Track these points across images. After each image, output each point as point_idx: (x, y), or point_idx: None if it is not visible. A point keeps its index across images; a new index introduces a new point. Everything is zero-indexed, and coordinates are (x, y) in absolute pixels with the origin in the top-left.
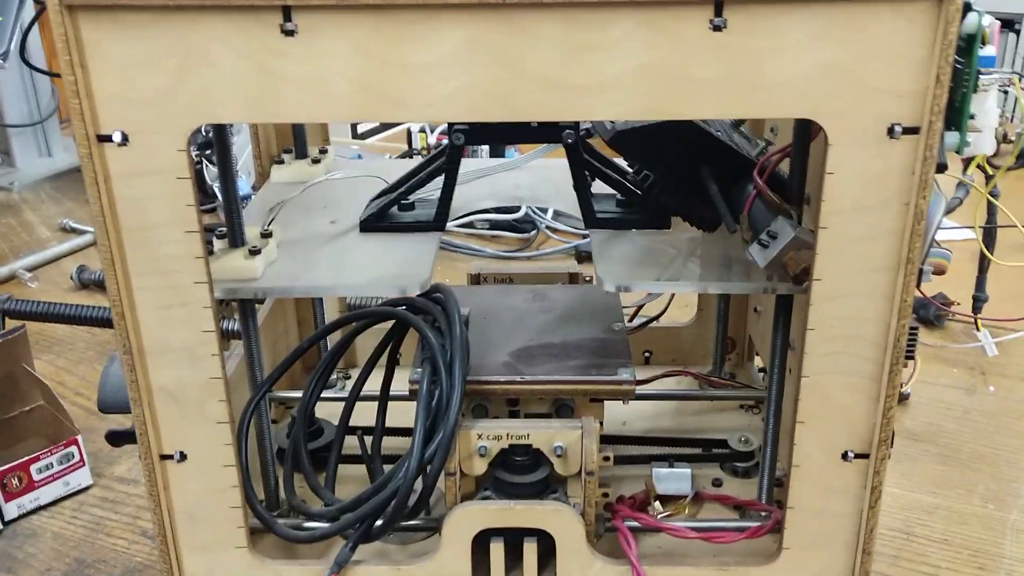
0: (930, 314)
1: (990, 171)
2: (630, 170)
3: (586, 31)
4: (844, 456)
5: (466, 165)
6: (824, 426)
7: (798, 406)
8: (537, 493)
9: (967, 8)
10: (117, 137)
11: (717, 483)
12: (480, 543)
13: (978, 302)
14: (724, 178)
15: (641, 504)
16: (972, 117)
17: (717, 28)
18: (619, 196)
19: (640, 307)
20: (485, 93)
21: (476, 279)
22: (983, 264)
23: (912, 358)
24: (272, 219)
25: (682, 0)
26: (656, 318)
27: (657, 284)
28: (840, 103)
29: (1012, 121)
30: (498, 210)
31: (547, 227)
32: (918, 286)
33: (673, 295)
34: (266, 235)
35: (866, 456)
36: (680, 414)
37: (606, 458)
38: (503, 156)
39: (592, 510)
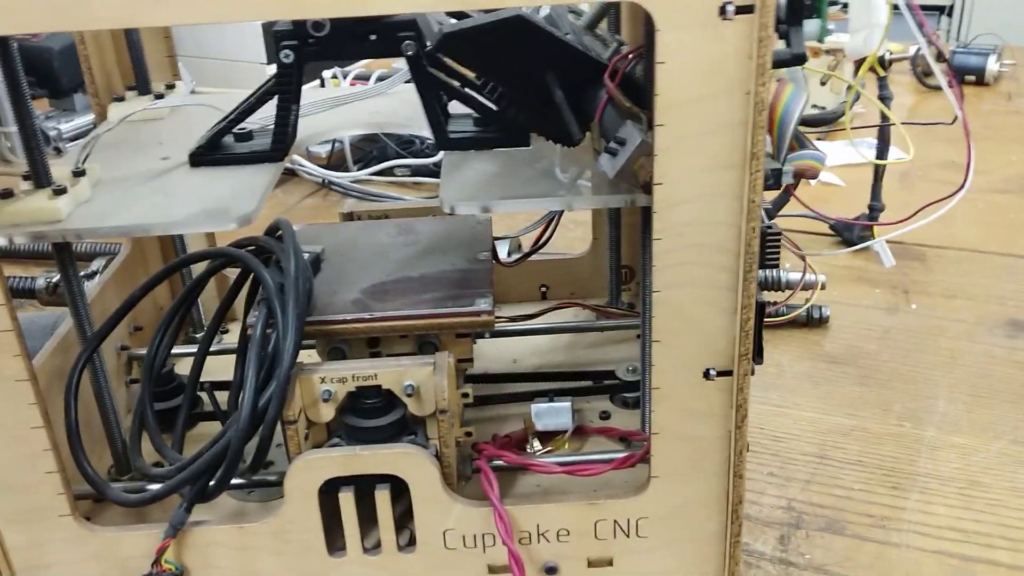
0: (853, 236)
1: (882, 73)
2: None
3: None
4: (706, 375)
5: (324, 93)
6: (681, 343)
7: (652, 324)
8: (391, 436)
9: None
10: None
11: (605, 416)
12: (332, 494)
13: (874, 211)
14: (574, 84)
15: (519, 442)
16: (835, 3)
17: None
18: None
19: (539, 241)
20: None
21: (349, 217)
22: (877, 171)
23: (775, 265)
24: (86, 156)
25: None
26: (537, 248)
27: (498, 203)
28: None
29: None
30: (412, 153)
31: None
32: (778, 187)
33: (556, 223)
34: (79, 174)
35: (729, 373)
36: (574, 348)
37: (465, 395)
38: None
39: (451, 451)
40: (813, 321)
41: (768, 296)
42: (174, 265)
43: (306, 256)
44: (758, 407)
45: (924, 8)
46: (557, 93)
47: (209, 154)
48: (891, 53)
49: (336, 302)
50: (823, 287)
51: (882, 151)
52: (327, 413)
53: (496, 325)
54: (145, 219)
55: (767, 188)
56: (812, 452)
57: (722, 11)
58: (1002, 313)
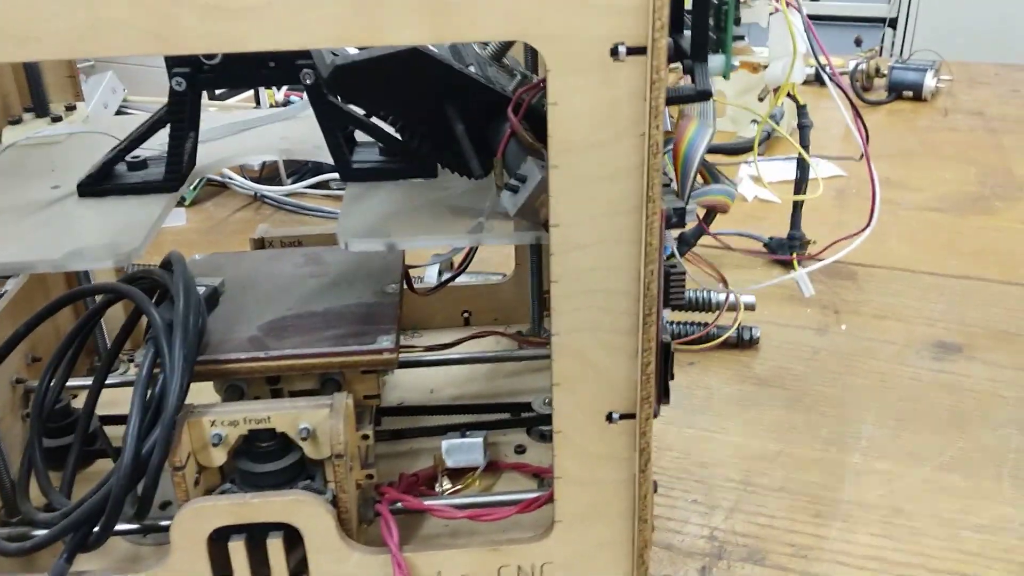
0: (787, 254)
1: (801, 101)
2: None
3: None
4: (608, 418)
5: (231, 116)
6: (583, 387)
7: (553, 367)
8: (287, 481)
9: None
10: None
11: (520, 450)
12: (223, 542)
13: (793, 241)
14: (477, 117)
15: (428, 480)
16: (740, 38)
17: None
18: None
19: (462, 266)
20: (131, 25)
21: (259, 243)
22: (798, 191)
23: (680, 307)
24: None
25: None
26: (454, 277)
27: (396, 240)
28: (552, 22)
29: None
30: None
31: None
32: (682, 226)
33: (474, 250)
34: None
35: (632, 416)
36: (493, 377)
37: (365, 436)
38: None
39: (349, 496)
40: (743, 342)
41: (698, 317)
42: (60, 300)
43: (202, 290)
44: (686, 432)
45: (868, 20)
46: (458, 127)
47: (98, 184)
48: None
49: (231, 339)
50: (752, 308)
51: (800, 183)
52: (219, 457)
53: (413, 354)
54: (21, 256)
55: (672, 227)
56: (737, 479)
57: (614, 53)
58: (930, 334)
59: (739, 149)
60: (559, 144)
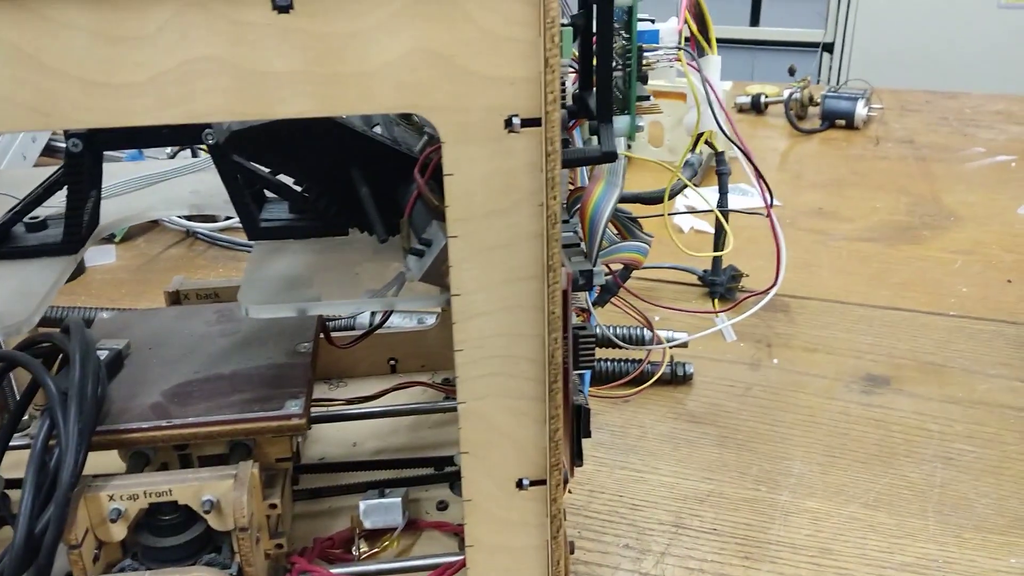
0: (720, 288)
1: (719, 148)
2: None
3: (120, 18)
4: (519, 485)
5: (142, 168)
6: (491, 455)
7: (460, 435)
8: (191, 554)
9: None
10: None
11: (442, 506)
12: None
13: (715, 286)
14: (384, 178)
15: (345, 543)
16: (644, 98)
17: (282, 9)
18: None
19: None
20: (7, 99)
21: (175, 297)
22: (717, 242)
23: (589, 368)
24: None
25: None
26: (376, 328)
27: (300, 306)
28: (444, 94)
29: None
30: None
31: None
32: (589, 288)
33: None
34: None
35: (543, 483)
36: (418, 428)
37: (273, 505)
38: None
39: (256, 569)
40: (677, 378)
41: (632, 353)
42: None
43: (105, 354)
44: (619, 473)
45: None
46: (362, 190)
47: None
48: (767, 96)
49: (133, 407)
50: (685, 345)
51: (718, 234)
52: (119, 532)
53: (335, 408)
54: None
55: (579, 289)
56: (669, 521)
57: (508, 124)
58: (859, 367)
59: (657, 198)
60: (457, 213)
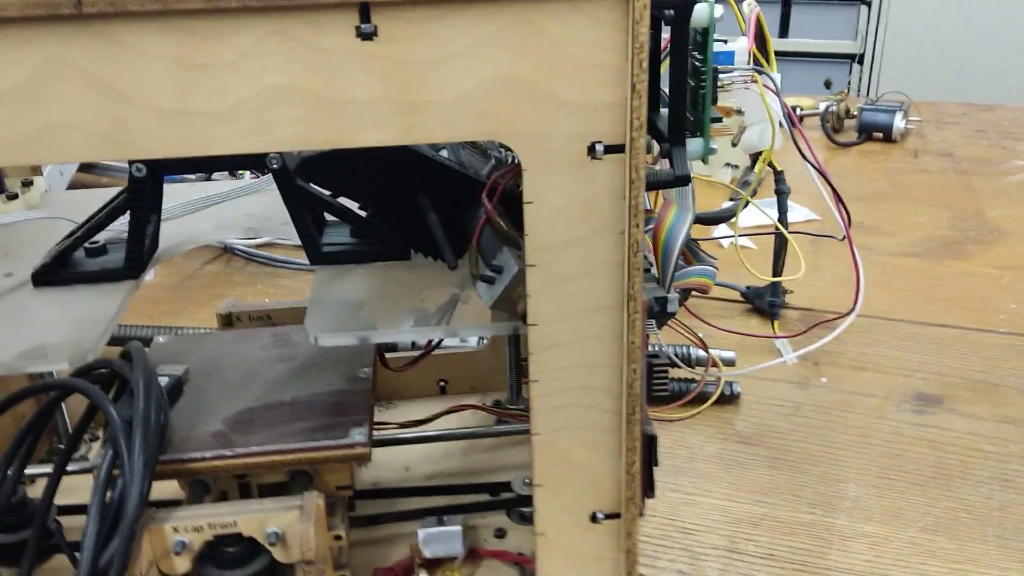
0: (764, 304)
1: (779, 167)
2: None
3: (201, 45)
4: (593, 518)
5: (197, 190)
6: (565, 488)
7: (534, 467)
8: None
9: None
10: None
11: (500, 534)
12: None
13: (773, 307)
14: (452, 203)
15: (405, 572)
16: (717, 120)
17: (366, 36)
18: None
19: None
20: (81, 129)
21: (227, 319)
22: (776, 265)
23: (664, 398)
24: None
25: (320, 3)
26: (431, 350)
27: (368, 334)
28: (526, 121)
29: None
30: None
31: None
32: (664, 315)
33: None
34: None
35: (617, 516)
36: (471, 452)
37: (338, 537)
38: None
39: None
40: (724, 398)
41: (680, 373)
42: (14, 396)
43: (165, 380)
44: (669, 495)
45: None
46: (431, 216)
47: (54, 273)
48: (802, 109)
49: (195, 436)
50: (732, 364)
51: (778, 255)
52: (183, 565)
53: (388, 432)
54: None
55: (654, 317)
56: (723, 545)
57: (591, 151)
58: (910, 386)
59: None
60: (536, 242)
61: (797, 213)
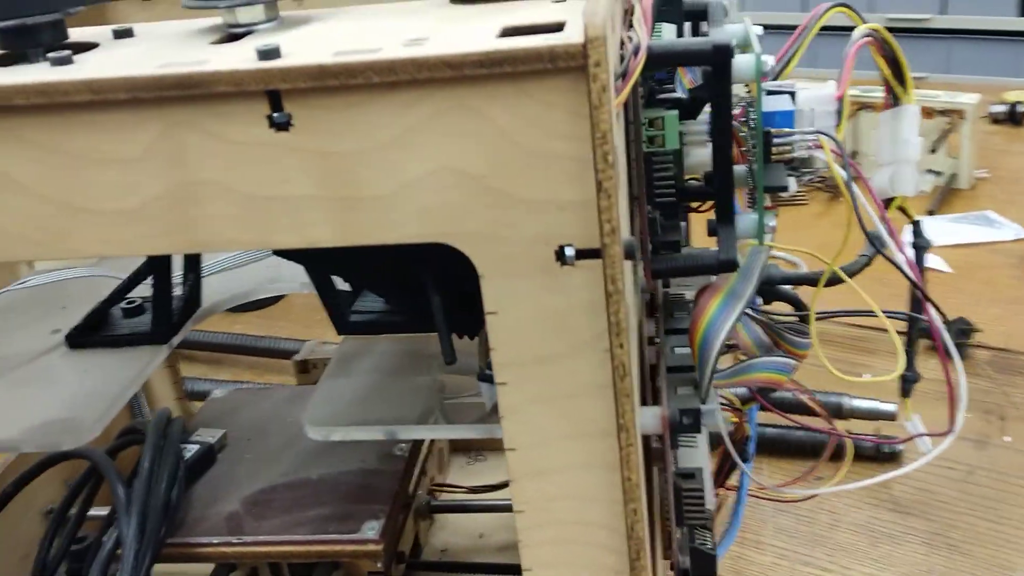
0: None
1: (913, 216)
2: None
3: (101, 142)
4: None
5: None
6: None
7: None
8: None
9: (725, 52)
10: None
11: None
12: None
13: (906, 383)
14: (458, 285)
15: None
16: (784, 188)
17: (281, 127)
18: None
19: None
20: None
21: (303, 367)
22: (911, 337)
23: (702, 524)
24: None
25: (221, 92)
26: None
27: (353, 430)
28: (478, 220)
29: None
30: None
31: None
32: (696, 430)
33: None
34: None
35: None
36: None
37: None
38: None
39: None
40: (882, 455)
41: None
42: (37, 467)
43: (195, 449)
44: (801, 570)
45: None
46: (435, 299)
47: (87, 335)
48: (1021, 104)
49: (210, 516)
50: (893, 418)
51: (913, 322)
52: None
53: (457, 496)
54: None
55: (684, 431)
56: None
57: (559, 256)
58: None
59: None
60: (504, 357)
61: (1006, 230)
